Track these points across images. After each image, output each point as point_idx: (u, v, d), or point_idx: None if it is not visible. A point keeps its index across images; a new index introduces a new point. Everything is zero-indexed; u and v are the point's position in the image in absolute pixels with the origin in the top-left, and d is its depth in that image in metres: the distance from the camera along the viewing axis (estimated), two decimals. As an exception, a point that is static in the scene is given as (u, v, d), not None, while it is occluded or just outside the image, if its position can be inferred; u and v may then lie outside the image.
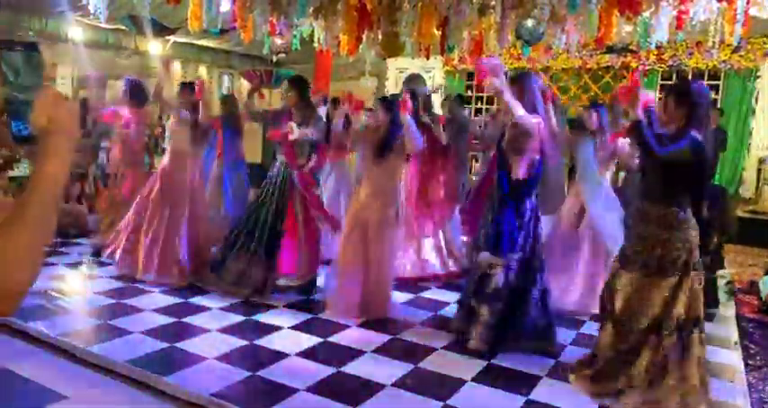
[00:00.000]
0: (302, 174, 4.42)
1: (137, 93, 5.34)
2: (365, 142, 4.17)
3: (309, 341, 3.59)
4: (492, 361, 3.40)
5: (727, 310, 4.70)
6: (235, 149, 6.07)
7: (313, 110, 4.59)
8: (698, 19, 4.79)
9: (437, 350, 3.56)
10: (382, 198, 4.03)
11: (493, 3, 4.92)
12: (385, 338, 3.70)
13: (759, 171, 9.16)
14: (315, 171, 4.57)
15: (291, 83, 4.56)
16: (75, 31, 10.00)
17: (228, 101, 6.33)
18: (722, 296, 4.93)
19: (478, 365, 3.35)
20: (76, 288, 4.53)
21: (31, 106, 0.89)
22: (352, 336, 3.72)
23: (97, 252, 5.29)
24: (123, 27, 9.37)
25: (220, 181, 5.97)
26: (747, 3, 4.45)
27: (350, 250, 4.05)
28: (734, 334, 4.13)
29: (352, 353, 3.43)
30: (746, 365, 3.59)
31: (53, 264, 5.05)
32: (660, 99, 2.93)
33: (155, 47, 10.44)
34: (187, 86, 5.03)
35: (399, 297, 4.53)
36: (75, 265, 5.12)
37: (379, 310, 4.05)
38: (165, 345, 3.40)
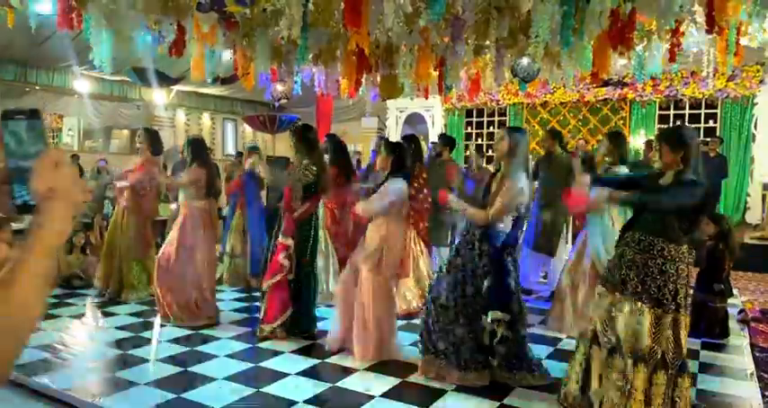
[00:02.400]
0: (288, 218, 4.43)
1: (154, 143, 5.56)
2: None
3: (316, 387, 3.54)
4: (504, 401, 3.34)
5: (740, 340, 4.62)
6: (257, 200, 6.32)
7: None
8: (691, 50, 4.88)
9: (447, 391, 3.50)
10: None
11: (487, 43, 5.02)
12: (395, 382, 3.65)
13: (764, 196, 9.14)
14: (302, 218, 4.41)
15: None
16: (81, 84, 10.21)
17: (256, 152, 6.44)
18: (735, 325, 4.86)
19: (491, 405, 3.28)
20: (81, 339, 4.50)
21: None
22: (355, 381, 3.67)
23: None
24: (128, 78, 9.58)
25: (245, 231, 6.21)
26: (738, 33, 4.53)
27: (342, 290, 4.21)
28: (749, 365, 4.04)
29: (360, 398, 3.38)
30: (763, 396, 3.50)
31: (58, 316, 5.03)
32: (653, 145, 3.07)
33: (159, 96, 10.64)
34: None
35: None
36: (79, 317, 5.10)
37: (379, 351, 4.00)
38: (171, 396, 3.36)
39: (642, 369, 2.85)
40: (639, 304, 2.89)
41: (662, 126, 9.82)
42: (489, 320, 3.47)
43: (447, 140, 6.42)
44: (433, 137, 11.58)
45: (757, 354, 4.31)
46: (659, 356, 2.85)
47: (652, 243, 2.91)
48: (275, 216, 5.00)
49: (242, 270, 6.28)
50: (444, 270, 3.68)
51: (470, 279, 3.53)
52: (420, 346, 3.74)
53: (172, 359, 3.98)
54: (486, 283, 3.49)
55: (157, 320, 4.83)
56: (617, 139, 4.59)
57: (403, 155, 4.10)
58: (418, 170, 5.41)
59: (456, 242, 3.82)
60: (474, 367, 3.52)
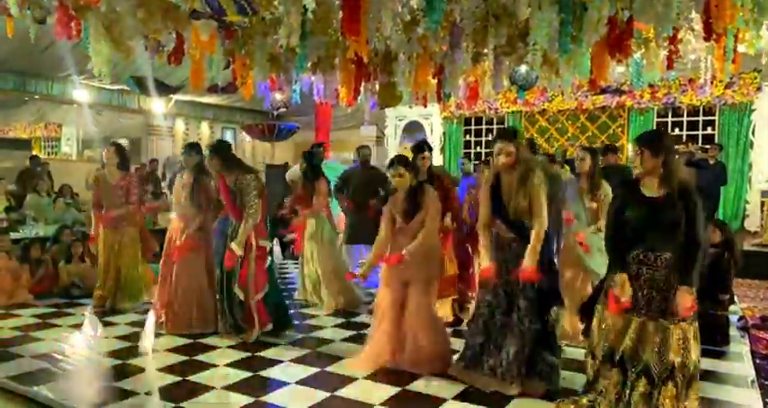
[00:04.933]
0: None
1: (123, 159, 5.68)
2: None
3: (315, 396, 3.52)
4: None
5: (740, 347, 4.60)
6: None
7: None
8: (689, 58, 4.90)
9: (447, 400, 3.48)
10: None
11: (486, 51, 5.03)
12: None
13: (762, 203, 9.15)
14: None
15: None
16: (80, 93, 10.22)
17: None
18: (735, 332, 4.84)
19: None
20: (80, 349, 4.48)
21: None
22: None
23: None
24: (127, 88, 9.60)
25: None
26: (735, 40, 4.55)
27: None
28: (750, 372, 4.03)
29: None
30: (765, 404, 3.48)
31: (57, 326, 5.01)
32: (635, 152, 3.07)
33: (158, 106, 10.65)
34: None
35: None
36: (79, 326, 5.07)
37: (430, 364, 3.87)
38: (170, 406, 3.33)
39: (671, 388, 2.85)
40: (663, 321, 2.89)
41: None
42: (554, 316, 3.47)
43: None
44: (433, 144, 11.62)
45: (758, 361, 4.29)
46: (690, 370, 2.87)
47: (668, 258, 2.90)
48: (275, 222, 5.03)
49: None
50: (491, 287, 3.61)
51: (520, 291, 3.48)
52: (468, 357, 3.67)
53: (170, 369, 3.96)
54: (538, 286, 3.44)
55: (148, 322, 4.73)
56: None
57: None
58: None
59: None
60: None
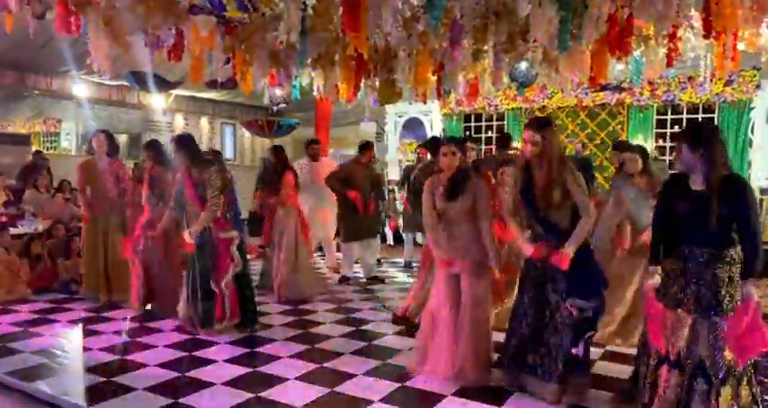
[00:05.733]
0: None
1: (112, 146, 5.85)
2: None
3: (314, 392, 3.53)
4: (503, 406, 3.33)
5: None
6: None
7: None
8: (688, 56, 4.89)
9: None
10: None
11: (486, 47, 5.03)
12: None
13: (761, 201, 9.15)
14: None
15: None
16: (80, 89, 10.19)
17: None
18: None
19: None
20: (78, 344, 4.49)
21: None
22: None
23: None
24: (126, 83, 9.58)
25: None
26: (735, 38, 4.54)
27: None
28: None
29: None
30: (763, 401, 3.48)
31: (56, 321, 5.02)
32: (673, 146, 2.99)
33: (157, 101, 10.63)
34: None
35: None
36: (77, 322, 5.08)
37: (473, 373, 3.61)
38: (169, 401, 3.35)
39: (727, 387, 2.82)
40: (714, 318, 2.85)
41: (660, 130, 9.85)
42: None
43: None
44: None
45: (757, 358, 4.30)
46: (742, 368, 2.85)
47: (717, 255, 2.85)
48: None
49: None
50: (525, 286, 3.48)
51: (552, 286, 3.35)
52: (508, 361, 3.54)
53: (169, 364, 3.97)
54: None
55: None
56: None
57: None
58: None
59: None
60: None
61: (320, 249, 8.08)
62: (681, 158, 2.91)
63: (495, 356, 3.71)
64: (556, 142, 3.36)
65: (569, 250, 3.21)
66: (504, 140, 6.79)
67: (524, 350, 3.45)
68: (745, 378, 2.89)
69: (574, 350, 3.25)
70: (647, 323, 3.16)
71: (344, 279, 6.85)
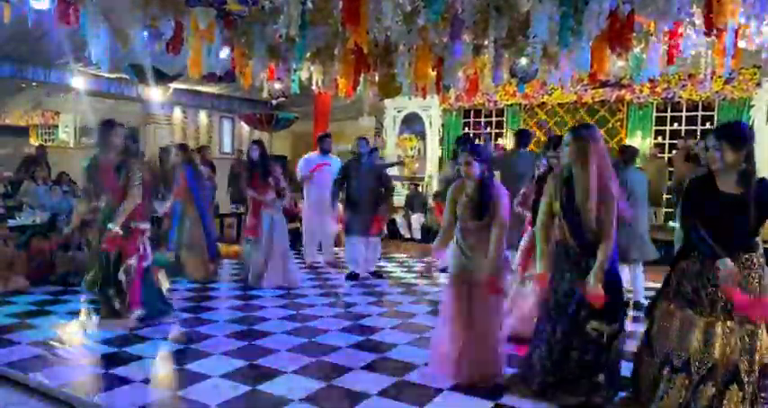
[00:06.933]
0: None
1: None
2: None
3: (312, 385, 3.54)
4: (500, 401, 3.34)
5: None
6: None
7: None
8: (688, 53, 4.88)
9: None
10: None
11: (486, 43, 5.02)
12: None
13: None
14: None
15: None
16: (78, 81, 10.15)
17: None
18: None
19: (487, 404, 3.29)
20: (77, 336, 4.49)
21: None
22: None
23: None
24: (125, 75, 9.55)
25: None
26: (736, 36, 4.54)
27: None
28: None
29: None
30: (760, 397, 3.49)
31: (54, 313, 5.02)
32: (704, 145, 2.87)
33: (156, 94, 10.59)
34: None
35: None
36: (75, 313, 5.08)
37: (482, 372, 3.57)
38: (167, 393, 3.35)
39: (737, 391, 2.78)
40: (730, 323, 2.79)
41: (659, 127, 9.85)
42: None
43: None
44: (431, 136, 11.62)
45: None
46: (757, 373, 2.80)
47: (737, 258, 2.78)
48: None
49: (202, 256, 6.56)
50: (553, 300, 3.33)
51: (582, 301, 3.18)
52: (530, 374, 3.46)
53: (167, 356, 3.98)
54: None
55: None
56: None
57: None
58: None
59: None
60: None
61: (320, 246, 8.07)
62: (722, 157, 2.77)
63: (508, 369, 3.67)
64: (596, 147, 3.09)
65: (599, 286, 3.04)
66: (523, 136, 6.50)
67: (546, 369, 3.33)
68: (753, 384, 2.83)
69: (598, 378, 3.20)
70: (646, 322, 3.16)
71: (352, 277, 6.85)
